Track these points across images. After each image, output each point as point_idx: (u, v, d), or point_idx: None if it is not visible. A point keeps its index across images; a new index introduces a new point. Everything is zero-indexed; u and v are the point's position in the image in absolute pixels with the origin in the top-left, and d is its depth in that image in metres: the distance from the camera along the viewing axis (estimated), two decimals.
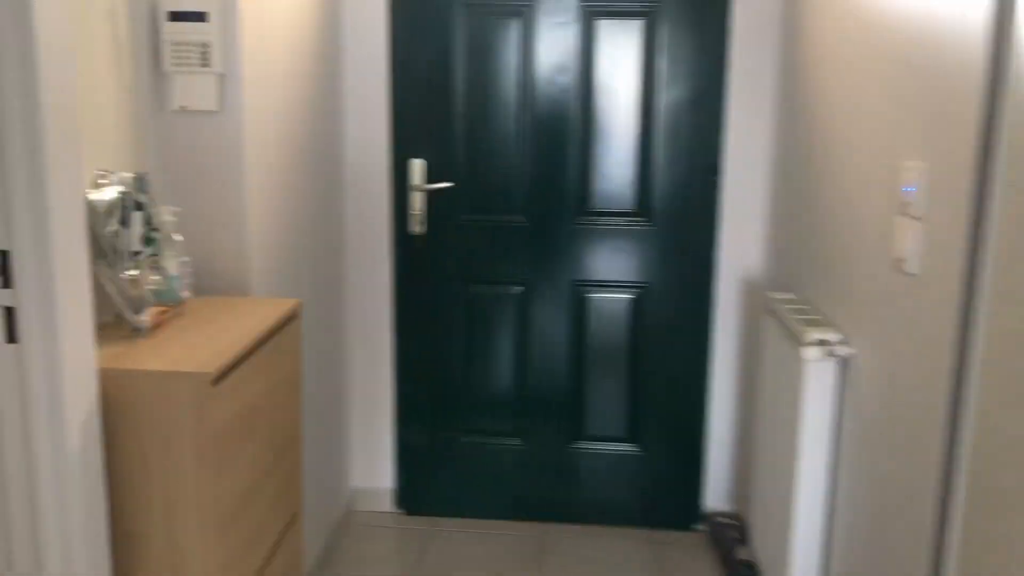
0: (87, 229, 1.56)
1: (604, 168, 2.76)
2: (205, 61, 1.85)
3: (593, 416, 2.92)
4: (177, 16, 1.83)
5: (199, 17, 1.83)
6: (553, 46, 2.71)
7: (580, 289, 2.85)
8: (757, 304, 2.78)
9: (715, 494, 2.94)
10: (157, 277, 1.70)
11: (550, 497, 2.97)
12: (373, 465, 3.02)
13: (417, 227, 2.82)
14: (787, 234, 2.55)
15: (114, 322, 1.65)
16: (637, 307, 2.84)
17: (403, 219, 2.83)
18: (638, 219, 2.79)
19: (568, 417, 2.92)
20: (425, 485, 3.00)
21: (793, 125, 2.50)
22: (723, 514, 2.88)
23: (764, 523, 2.36)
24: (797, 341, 2.02)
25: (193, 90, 1.87)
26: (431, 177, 2.79)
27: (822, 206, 2.19)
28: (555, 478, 2.96)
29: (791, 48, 2.54)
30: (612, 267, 2.82)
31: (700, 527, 2.94)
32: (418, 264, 2.87)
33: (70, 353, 1.28)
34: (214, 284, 2.00)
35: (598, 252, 2.81)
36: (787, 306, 2.21)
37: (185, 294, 1.79)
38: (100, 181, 1.61)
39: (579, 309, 2.86)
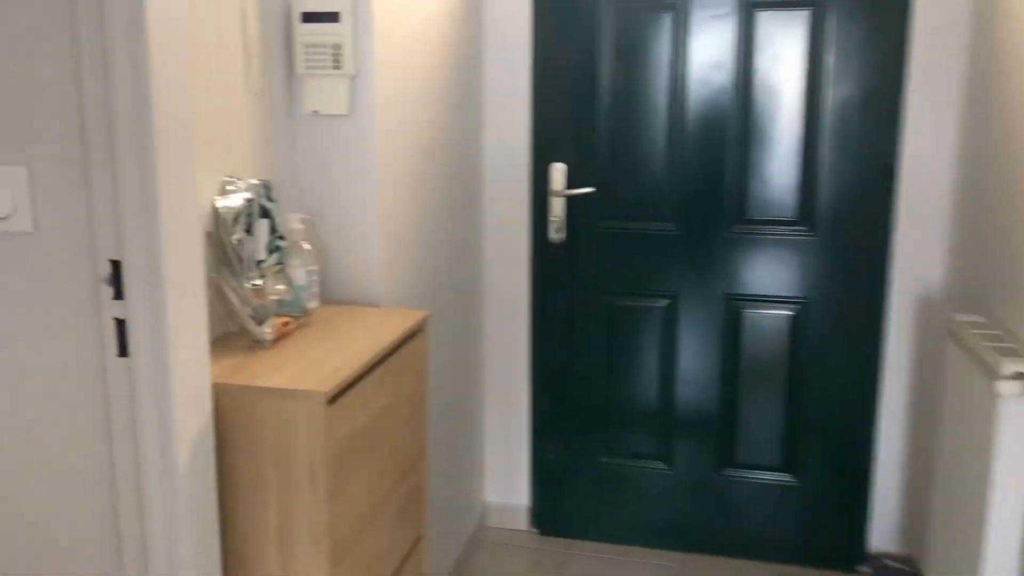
0: (213, 237, 1.53)
1: (763, 172, 2.53)
2: (337, 63, 1.78)
3: (745, 441, 2.69)
4: (309, 17, 1.77)
5: (332, 18, 1.77)
6: (708, 41, 2.50)
7: (734, 303, 2.63)
8: (937, 325, 2.47)
9: (882, 533, 2.65)
10: (283, 286, 1.65)
11: (695, 526, 2.76)
12: (508, 481, 2.91)
13: (557, 234, 2.69)
14: (976, 248, 2.24)
15: (239, 333, 1.61)
16: (797, 324, 2.59)
17: (543, 226, 2.70)
18: (801, 228, 2.54)
19: (717, 441, 2.71)
20: (562, 505, 2.86)
21: (986, 124, 2.19)
22: (891, 556, 2.61)
23: (945, 573, 2.08)
24: (991, 372, 1.74)
25: (324, 93, 1.81)
26: (572, 182, 2.65)
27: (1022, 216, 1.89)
28: (701, 506, 2.75)
29: (984, 39, 2.23)
30: (770, 280, 2.59)
31: (864, 568, 2.66)
32: (558, 273, 2.73)
33: (182, 367, 1.23)
34: (343, 293, 1.94)
35: (755, 263, 2.59)
36: (976, 330, 1.93)
37: (312, 304, 1.74)
38: (228, 188, 1.57)
39: (732, 325, 2.64)
